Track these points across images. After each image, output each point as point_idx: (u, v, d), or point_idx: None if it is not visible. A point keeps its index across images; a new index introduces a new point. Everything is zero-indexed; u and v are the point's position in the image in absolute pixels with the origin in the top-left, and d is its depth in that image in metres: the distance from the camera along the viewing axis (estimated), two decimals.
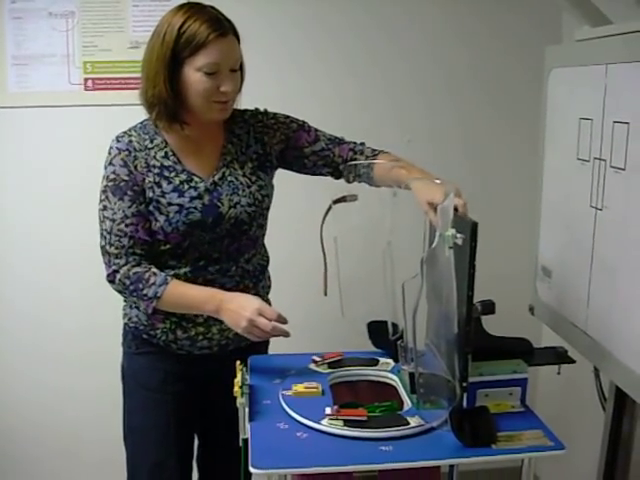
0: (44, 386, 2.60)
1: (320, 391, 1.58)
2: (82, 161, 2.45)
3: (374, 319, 1.75)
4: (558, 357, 1.70)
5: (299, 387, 1.58)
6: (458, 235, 1.37)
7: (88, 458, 2.68)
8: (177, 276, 1.69)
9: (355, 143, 1.83)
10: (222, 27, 1.59)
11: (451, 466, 1.80)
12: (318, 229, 1.67)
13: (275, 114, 1.82)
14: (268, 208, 1.79)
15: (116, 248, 1.66)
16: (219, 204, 1.69)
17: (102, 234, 1.68)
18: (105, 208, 1.67)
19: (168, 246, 1.69)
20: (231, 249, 1.73)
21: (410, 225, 1.55)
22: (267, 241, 1.87)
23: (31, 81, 2.44)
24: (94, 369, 2.56)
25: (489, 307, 1.53)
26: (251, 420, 1.48)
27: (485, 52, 2.53)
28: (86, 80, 2.45)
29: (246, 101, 1.78)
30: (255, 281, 1.80)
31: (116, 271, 1.66)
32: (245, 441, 1.46)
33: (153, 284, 1.63)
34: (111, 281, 1.67)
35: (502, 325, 1.55)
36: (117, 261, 1.66)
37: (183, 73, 1.60)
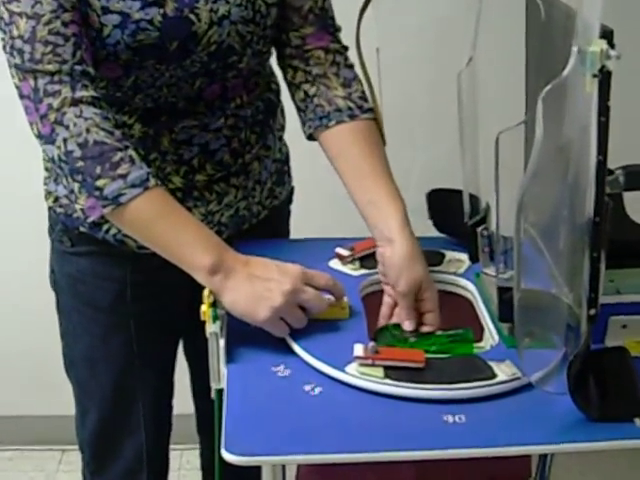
0: None
1: (346, 310, 0.99)
2: None
3: (437, 186, 1.15)
4: None
5: None
6: (612, 52, 0.73)
7: None
8: (123, 135, 1.04)
9: (344, 49, 1.17)
10: None
11: None
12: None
13: None
14: (272, 26, 1.12)
15: (49, 63, 0.98)
16: (192, 17, 1.03)
17: (11, 46, 1.00)
18: (10, 1, 0.98)
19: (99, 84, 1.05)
20: (208, 94, 1.12)
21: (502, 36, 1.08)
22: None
23: None
24: None
25: (638, 177, 0.93)
26: (230, 361, 0.92)
27: None
28: None
29: None
30: (259, 130, 1.18)
31: (60, 110, 0.97)
32: (220, 394, 0.90)
33: (120, 177, 0.96)
34: (46, 138, 0.98)
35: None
36: (57, 87, 0.98)
37: None
